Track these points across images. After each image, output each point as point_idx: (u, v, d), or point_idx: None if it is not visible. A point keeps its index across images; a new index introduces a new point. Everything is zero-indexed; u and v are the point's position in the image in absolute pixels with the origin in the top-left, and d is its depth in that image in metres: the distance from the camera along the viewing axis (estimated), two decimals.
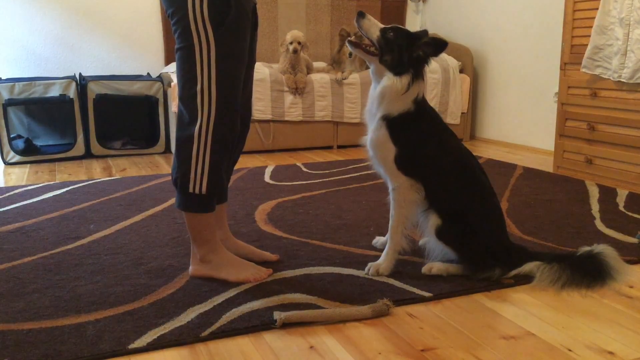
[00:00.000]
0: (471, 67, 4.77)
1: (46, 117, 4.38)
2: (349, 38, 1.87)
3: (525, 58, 4.39)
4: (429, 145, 1.85)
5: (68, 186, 3.14)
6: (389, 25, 1.83)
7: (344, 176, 3.37)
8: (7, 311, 1.61)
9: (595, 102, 3.21)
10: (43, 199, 2.86)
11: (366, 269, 1.88)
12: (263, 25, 4.97)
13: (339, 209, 2.66)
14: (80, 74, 4.46)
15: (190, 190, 1.72)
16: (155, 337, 1.46)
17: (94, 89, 4.04)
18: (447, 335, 1.49)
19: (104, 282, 1.82)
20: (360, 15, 1.82)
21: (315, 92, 4.28)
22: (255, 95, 4.13)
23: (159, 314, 1.58)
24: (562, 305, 1.67)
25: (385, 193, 1.98)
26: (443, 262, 1.88)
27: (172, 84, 4.01)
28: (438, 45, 1.80)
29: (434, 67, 4.55)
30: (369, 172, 1.96)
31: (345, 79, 4.35)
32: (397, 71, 1.79)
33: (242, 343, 1.46)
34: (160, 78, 4.31)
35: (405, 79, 1.78)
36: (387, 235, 1.91)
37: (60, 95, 3.96)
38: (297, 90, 4.21)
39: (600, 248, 1.82)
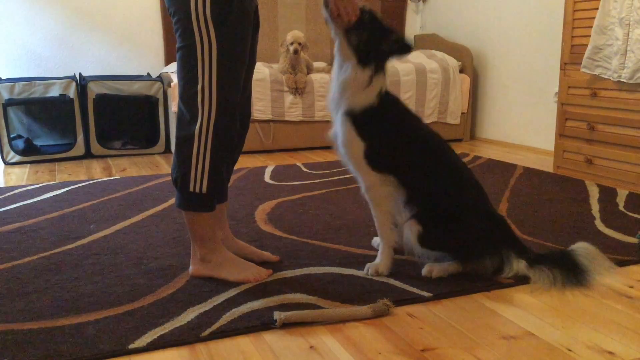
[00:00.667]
0: (471, 67, 4.77)
1: (46, 117, 4.38)
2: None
3: (525, 58, 4.39)
4: (398, 137, 1.82)
5: (68, 186, 3.14)
6: (368, 9, 1.78)
7: (344, 176, 3.37)
8: (7, 311, 1.61)
9: (595, 102, 3.21)
10: (43, 199, 2.86)
11: (365, 269, 1.88)
12: (263, 25, 4.97)
13: (339, 209, 2.66)
14: (80, 74, 4.46)
15: (191, 189, 1.72)
16: (155, 337, 1.46)
17: (94, 89, 4.04)
18: (447, 335, 1.49)
19: (104, 282, 1.82)
20: (325, 3, 1.73)
21: (315, 92, 4.28)
22: (255, 95, 4.13)
23: (159, 314, 1.58)
24: (562, 305, 1.67)
25: None
26: (440, 263, 1.87)
27: (172, 84, 4.01)
28: (403, 48, 1.78)
29: (434, 67, 4.56)
30: (347, 169, 1.94)
31: None
32: (360, 58, 1.75)
33: (242, 343, 1.46)
34: (160, 78, 4.31)
35: (367, 72, 1.75)
36: (378, 235, 1.91)
37: (60, 95, 3.96)
38: (297, 90, 4.21)
39: (575, 246, 1.83)
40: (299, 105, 4.26)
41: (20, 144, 4.04)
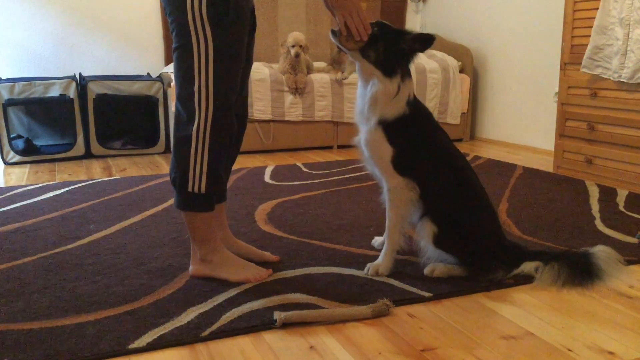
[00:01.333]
0: (471, 67, 4.77)
1: (46, 117, 4.38)
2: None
3: (525, 58, 4.39)
4: (425, 146, 1.85)
5: (68, 186, 3.14)
6: (373, 21, 1.79)
7: (344, 176, 3.37)
8: (7, 311, 1.61)
9: (595, 102, 3.21)
10: (43, 199, 2.86)
11: (365, 269, 1.88)
12: (263, 25, 4.97)
13: (339, 209, 2.66)
14: (80, 74, 4.46)
15: (189, 189, 1.72)
16: (155, 337, 1.46)
17: (94, 89, 4.04)
18: (447, 335, 1.49)
19: (104, 282, 1.82)
20: (333, 32, 1.78)
21: (315, 92, 4.29)
22: (255, 95, 4.13)
23: (159, 314, 1.58)
24: (562, 305, 1.67)
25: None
26: (444, 264, 1.87)
27: (172, 84, 4.01)
28: (424, 40, 1.77)
29: (434, 67, 4.56)
30: (369, 172, 1.96)
31: (345, 79, 4.35)
32: (385, 70, 1.77)
33: (242, 343, 1.46)
34: (160, 78, 4.31)
35: (395, 81, 1.77)
36: (385, 235, 1.91)
37: (60, 95, 3.96)
38: (297, 90, 4.22)
39: (596, 249, 1.82)
40: (299, 105, 4.26)
41: (20, 144, 4.04)
